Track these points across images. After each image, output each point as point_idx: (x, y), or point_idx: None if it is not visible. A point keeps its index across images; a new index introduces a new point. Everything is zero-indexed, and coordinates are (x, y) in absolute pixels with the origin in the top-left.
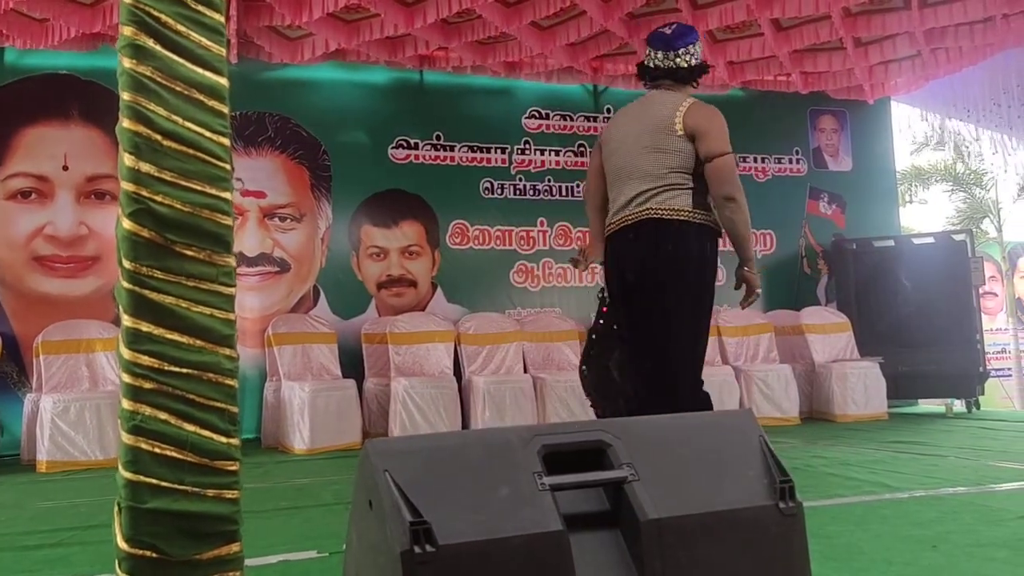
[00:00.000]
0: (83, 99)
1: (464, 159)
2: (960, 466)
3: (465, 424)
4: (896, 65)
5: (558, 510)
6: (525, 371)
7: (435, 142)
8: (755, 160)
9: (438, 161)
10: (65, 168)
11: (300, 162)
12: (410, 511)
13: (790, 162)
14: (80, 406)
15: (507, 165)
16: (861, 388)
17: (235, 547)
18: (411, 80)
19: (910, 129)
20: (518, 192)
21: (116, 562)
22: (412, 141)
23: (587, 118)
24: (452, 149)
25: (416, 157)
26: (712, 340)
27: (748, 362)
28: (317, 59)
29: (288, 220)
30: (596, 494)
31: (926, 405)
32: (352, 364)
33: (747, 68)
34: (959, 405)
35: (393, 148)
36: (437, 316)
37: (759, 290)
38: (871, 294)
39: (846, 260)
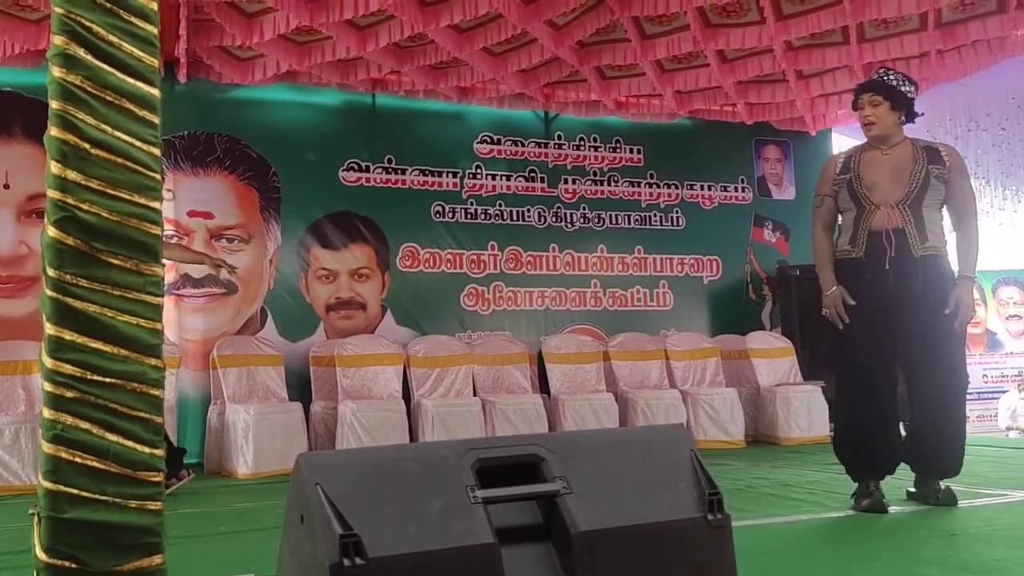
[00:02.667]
0: (26, 116)
1: (416, 182)
2: (897, 487)
3: None
4: (836, 98)
5: (490, 523)
6: (475, 394)
7: (387, 165)
8: (702, 188)
9: (389, 184)
10: (6, 186)
11: (249, 183)
12: (340, 524)
13: (736, 190)
14: (15, 429)
15: (458, 189)
16: (804, 411)
17: (157, 559)
18: (363, 103)
19: None
20: (469, 216)
21: (34, 573)
22: (363, 164)
23: (538, 144)
24: (404, 172)
25: (367, 180)
26: (659, 363)
27: (695, 385)
28: (268, 80)
29: (236, 241)
30: (529, 507)
31: None
32: (300, 387)
33: (694, 97)
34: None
35: (344, 171)
36: (386, 339)
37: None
38: (814, 319)
39: (790, 286)
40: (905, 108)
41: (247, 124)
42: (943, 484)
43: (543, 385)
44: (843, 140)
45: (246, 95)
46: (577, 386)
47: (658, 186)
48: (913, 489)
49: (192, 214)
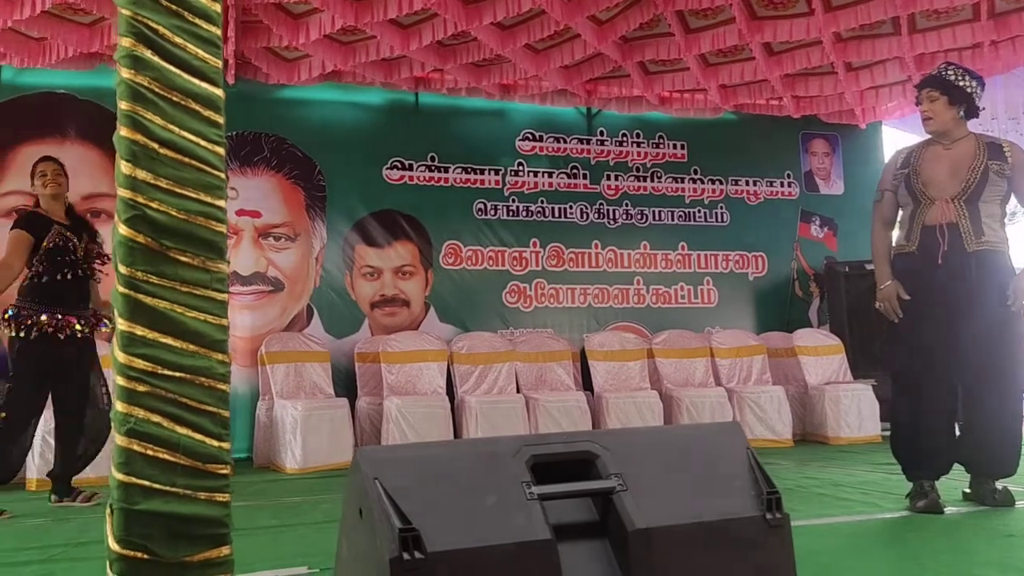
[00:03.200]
0: (80, 118)
1: (458, 180)
2: (952, 487)
3: None
4: (887, 90)
5: (546, 519)
6: (518, 391)
7: (429, 163)
8: (747, 183)
9: (432, 182)
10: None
11: (295, 182)
12: (399, 518)
13: (782, 185)
14: None
15: (500, 186)
16: (854, 411)
17: (225, 550)
18: (406, 101)
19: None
20: (511, 213)
21: (107, 563)
22: (407, 162)
23: (580, 140)
24: (446, 170)
25: (410, 178)
26: (704, 361)
27: (741, 383)
28: (313, 80)
29: (283, 239)
30: (584, 504)
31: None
32: (345, 383)
33: (739, 91)
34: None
35: (388, 169)
36: (430, 336)
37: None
38: (863, 317)
39: (838, 283)
40: (964, 103)
41: (293, 124)
42: (1000, 485)
43: (586, 382)
44: (894, 133)
45: (292, 95)
46: (621, 384)
47: (702, 182)
48: (969, 490)
49: (240, 213)
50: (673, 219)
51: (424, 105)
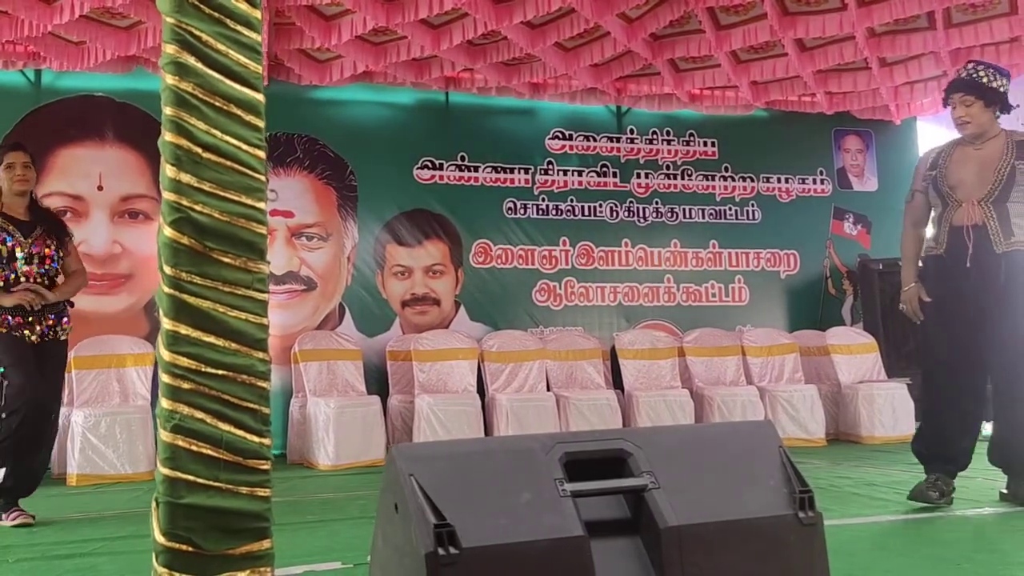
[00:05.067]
0: (118, 120)
1: (488, 179)
2: (987, 487)
3: None
4: (922, 85)
5: (579, 516)
6: (548, 389)
7: (459, 162)
8: (779, 180)
9: (462, 181)
10: (100, 188)
11: (327, 182)
12: (435, 514)
13: (814, 182)
14: (111, 420)
15: (530, 185)
16: (889, 410)
17: (266, 543)
18: (436, 101)
19: None
20: (541, 212)
21: (153, 555)
22: (437, 161)
23: (610, 138)
24: (476, 169)
25: (441, 177)
26: (735, 359)
27: (773, 382)
28: (345, 81)
29: (315, 239)
30: (616, 501)
31: None
32: (376, 381)
33: (771, 88)
34: (988, 428)
35: (418, 168)
36: (461, 334)
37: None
38: (897, 315)
39: (872, 280)
40: (999, 102)
41: (325, 124)
42: None
43: (616, 381)
44: (929, 129)
45: (324, 96)
46: (651, 382)
47: (733, 179)
48: (1006, 490)
49: (273, 213)
50: (704, 217)
51: (454, 105)
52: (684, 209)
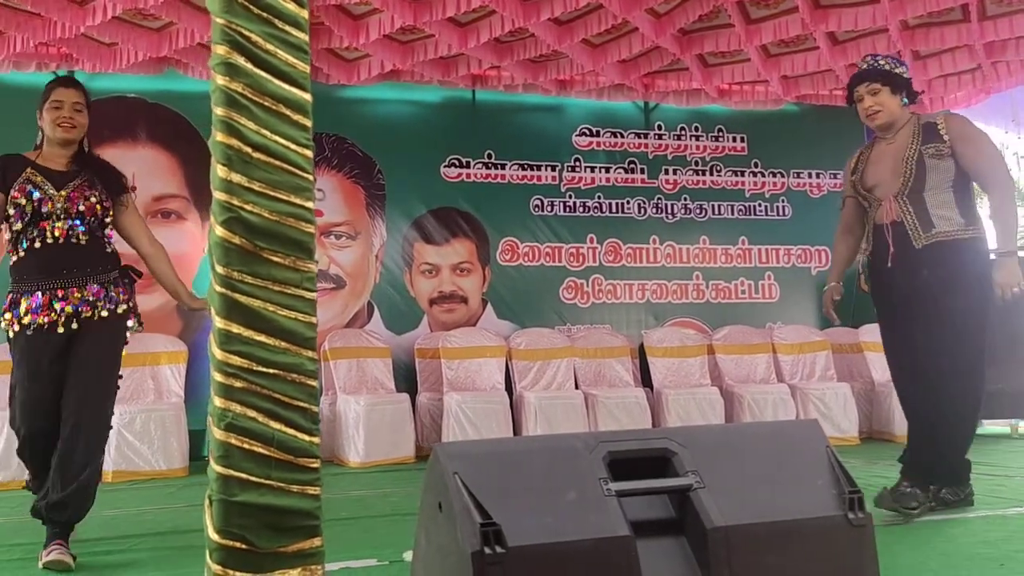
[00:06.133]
0: (150, 121)
1: (515, 177)
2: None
3: None
4: (955, 78)
5: (625, 516)
6: (576, 387)
7: (486, 160)
8: (809, 175)
9: (489, 179)
10: (133, 188)
11: (356, 181)
12: (480, 513)
13: None
14: (146, 417)
15: (557, 182)
16: None
17: (317, 541)
18: (463, 99)
19: None
20: (568, 209)
21: (207, 552)
22: (464, 159)
23: (637, 135)
24: (503, 167)
25: (468, 175)
26: (766, 357)
27: (804, 380)
28: (372, 80)
29: (344, 238)
30: (661, 501)
31: (991, 426)
32: (405, 378)
33: (802, 82)
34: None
35: (445, 167)
36: (488, 332)
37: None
38: None
39: None
40: (904, 89)
41: (353, 123)
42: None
43: (645, 379)
44: None
45: (352, 95)
46: (681, 380)
47: (763, 175)
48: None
49: None
50: (733, 213)
51: (481, 102)
52: (713, 205)
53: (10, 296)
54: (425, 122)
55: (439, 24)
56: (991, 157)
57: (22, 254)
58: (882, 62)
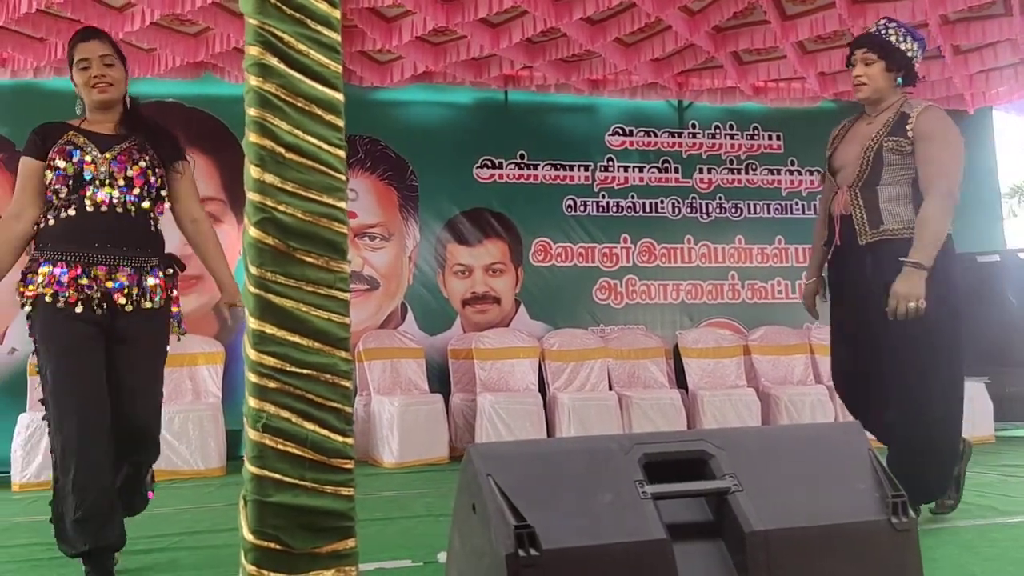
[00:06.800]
0: (187, 125)
1: (547, 177)
2: None
3: None
4: (997, 73)
5: (661, 519)
6: (610, 388)
7: (519, 160)
8: None
9: (522, 179)
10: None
11: (389, 183)
12: (514, 515)
13: None
14: (184, 417)
15: (590, 182)
16: (966, 409)
17: (351, 543)
18: (495, 100)
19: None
20: (601, 209)
21: (242, 553)
22: (496, 160)
23: (671, 134)
24: (536, 167)
25: (500, 176)
26: (803, 358)
27: None
28: (405, 82)
29: (377, 239)
30: (698, 504)
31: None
32: (438, 379)
33: (839, 79)
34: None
35: (478, 167)
36: (521, 332)
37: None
38: (974, 311)
39: None
40: (903, 69)
41: (386, 125)
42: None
43: (680, 380)
44: (1005, 118)
45: (385, 97)
46: (716, 381)
47: (799, 173)
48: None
49: None
50: (769, 212)
51: (513, 103)
52: (749, 204)
53: (25, 268)
54: (458, 123)
55: (471, 25)
56: (942, 163)
57: (51, 222)
58: (891, 31)
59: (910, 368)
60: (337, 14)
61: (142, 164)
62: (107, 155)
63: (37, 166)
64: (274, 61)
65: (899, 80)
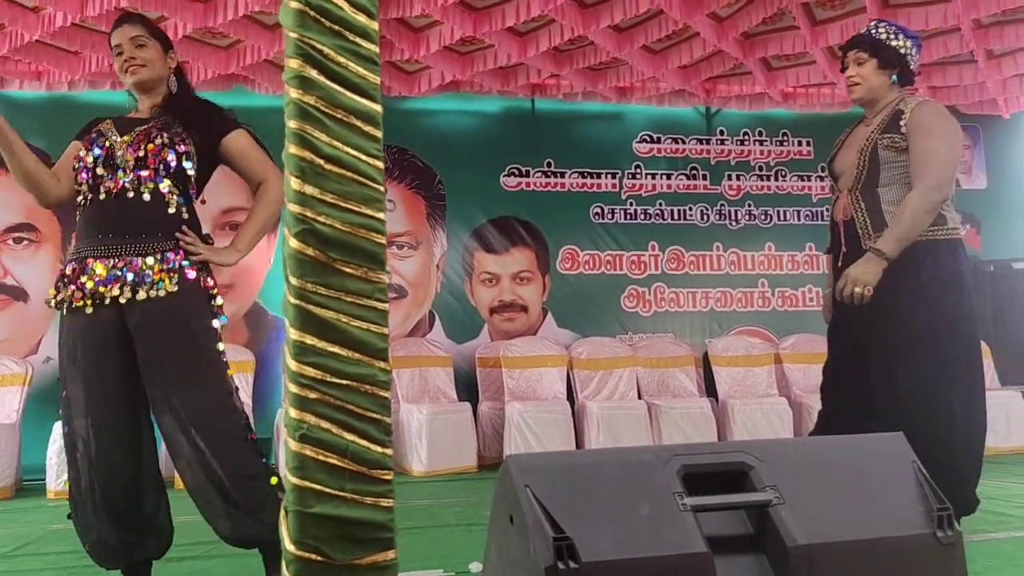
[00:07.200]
0: None
1: (575, 185)
2: None
3: (579, 449)
4: None
5: (702, 532)
6: (639, 397)
7: (546, 169)
8: None
9: (549, 188)
10: (203, 202)
11: (417, 192)
12: (552, 527)
13: None
14: None
15: (617, 190)
16: (1002, 419)
17: (391, 554)
18: (523, 108)
19: None
20: (629, 217)
21: (284, 563)
22: (524, 168)
23: (699, 140)
24: (563, 175)
25: (527, 184)
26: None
27: None
28: (433, 91)
29: (405, 248)
30: (737, 517)
31: None
32: (466, 387)
33: None
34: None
35: (505, 176)
36: (549, 341)
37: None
38: (1010, 319)
39: (982, 283)
40: (897, 66)
41: (413, 135)
42: None
43: (709, 389)
44: None
45: (412, 106)
46: (747, 390)
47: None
48: None
49: None
50: (799, 219)
51: (540, 111)
52: (778, 211)
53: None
54: (485, 132)
55: (499, 34)
56: (934, 155)
57: (77, 218)
58: (881, 30)
59: (920, 375)
60: (375, 26)
61: (158, 142)
62: (125, 138)
63: (73, 145)
64: (314, 73)
65: (894, 78)
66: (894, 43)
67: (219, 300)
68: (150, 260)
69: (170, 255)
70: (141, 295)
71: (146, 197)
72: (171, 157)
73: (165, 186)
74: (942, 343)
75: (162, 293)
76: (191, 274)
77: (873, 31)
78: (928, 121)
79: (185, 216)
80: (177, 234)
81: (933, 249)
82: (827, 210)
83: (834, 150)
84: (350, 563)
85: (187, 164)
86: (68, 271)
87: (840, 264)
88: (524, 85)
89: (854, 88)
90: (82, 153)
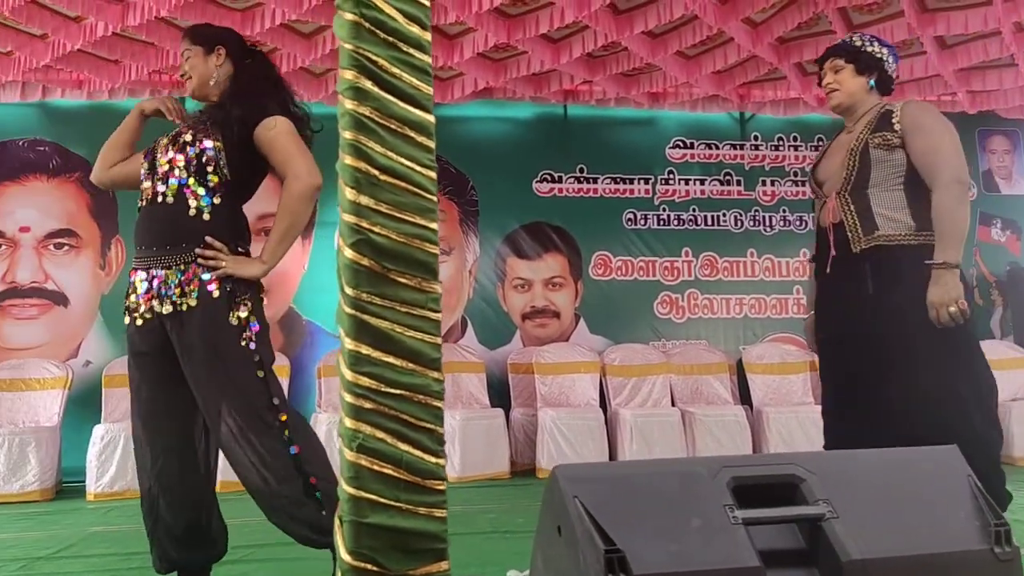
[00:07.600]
0: None
1: (607, 191)
2: None
3: (612, 457)
4: None
5: (753, 545)
6: (673, 404)
7: (578, 175)
8: None
9: (581, 193)
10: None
11: (450, 198)
12: (603, 539)
13: None
14: None
15: (650, 196)
16: None
17: (444, 565)
18: (555, 114)
19: None
20: (662, 223)
21: (339, 574)
22: (556, 174)
23: (733, 146)
24: (595, 181)
25: (560, 190)
26: None
27: None
28: (466, 98)
29: (440, 254)
30: (789, 530)
31: None
32: (498, 394)
33: (908, 88)
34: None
35: (537, 182)
36: (582, 347)
37: None
38: None
39: (1023, 290)
40: (875, 72)
41: (447, 141)
42: None
43: (743, 396)
44: None
45: (446, 113)
46: (782, 398)
47: None
48: None
49: None
50: None
51: (573, 117)
52: (813, 217)
53: None
54: (517, 138)
55: (532, 41)
56: (942, 151)
57: None
58: (855, 39)
59: (921, 378)
60: (428, 37)
61: (182, 140)
62: (163, 140)
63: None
64: (368, 84)
65: (872, 83)
66: (869, 48)
67: (243, 312)
68: (172, 274)
69: (192, 268)
70: (167, 308)
71: (170, 200)
72: (192, 153)
73: (189, 186)
74: (957, 340)
75: (184, 308)
76: (212, 288)
77: (849, 40)
78: (922, 118)
79: (208, 219)
80: (197, 250)
81: (914, 253)
82: None
83: (815, 160)
84: (404, 573)
85: (210, 153)
86: (130, 280)
87: (829, 270)
88: (557, 91)
89: (832, 95)
90: (139, 162)
